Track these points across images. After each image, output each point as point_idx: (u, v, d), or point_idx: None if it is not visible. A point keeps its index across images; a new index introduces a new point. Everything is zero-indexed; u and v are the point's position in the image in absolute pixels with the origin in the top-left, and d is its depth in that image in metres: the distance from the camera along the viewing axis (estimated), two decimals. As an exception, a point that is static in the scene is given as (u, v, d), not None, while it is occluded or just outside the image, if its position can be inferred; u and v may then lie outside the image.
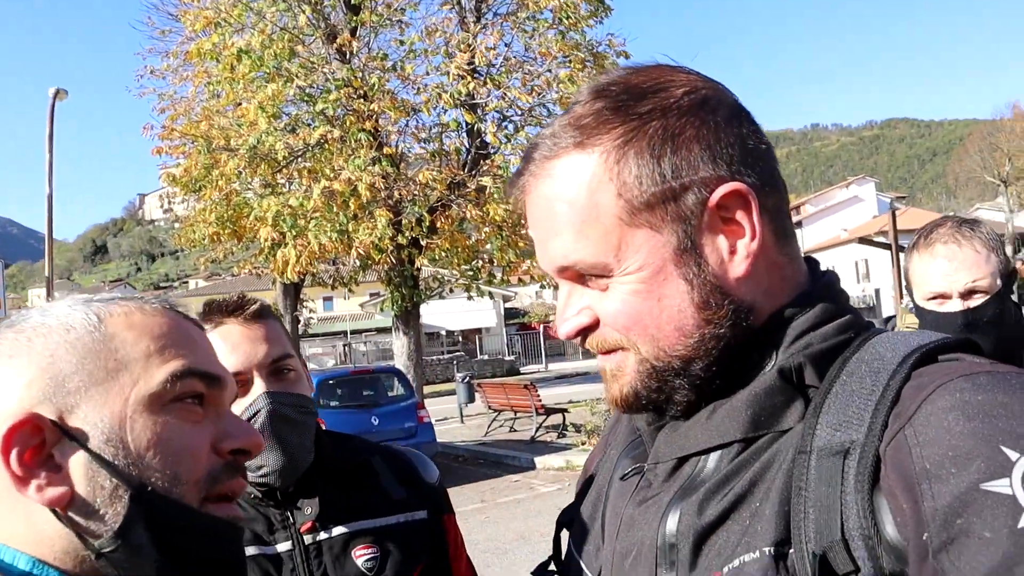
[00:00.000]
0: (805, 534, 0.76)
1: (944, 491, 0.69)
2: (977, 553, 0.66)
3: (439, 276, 16.58)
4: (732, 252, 0.88)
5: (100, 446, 0.82)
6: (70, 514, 0.81)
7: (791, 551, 0.77)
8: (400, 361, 15.17)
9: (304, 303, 22.09)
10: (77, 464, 0.81)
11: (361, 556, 1.62)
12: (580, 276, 0.93)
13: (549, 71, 14.48)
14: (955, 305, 2.13)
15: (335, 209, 12.79)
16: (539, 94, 14.42)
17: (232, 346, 1.58)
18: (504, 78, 14.23)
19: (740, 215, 0.87)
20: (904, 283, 2.31)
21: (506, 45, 14.67)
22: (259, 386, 1.57)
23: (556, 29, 14.49)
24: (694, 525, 0.84)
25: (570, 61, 14.28)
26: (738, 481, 0.84)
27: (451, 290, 16.87)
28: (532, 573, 1.15)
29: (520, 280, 17.28)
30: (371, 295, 46.74)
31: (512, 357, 41.38)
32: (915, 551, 0.70)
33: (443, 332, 45.47)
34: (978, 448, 0.69)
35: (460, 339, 46.19)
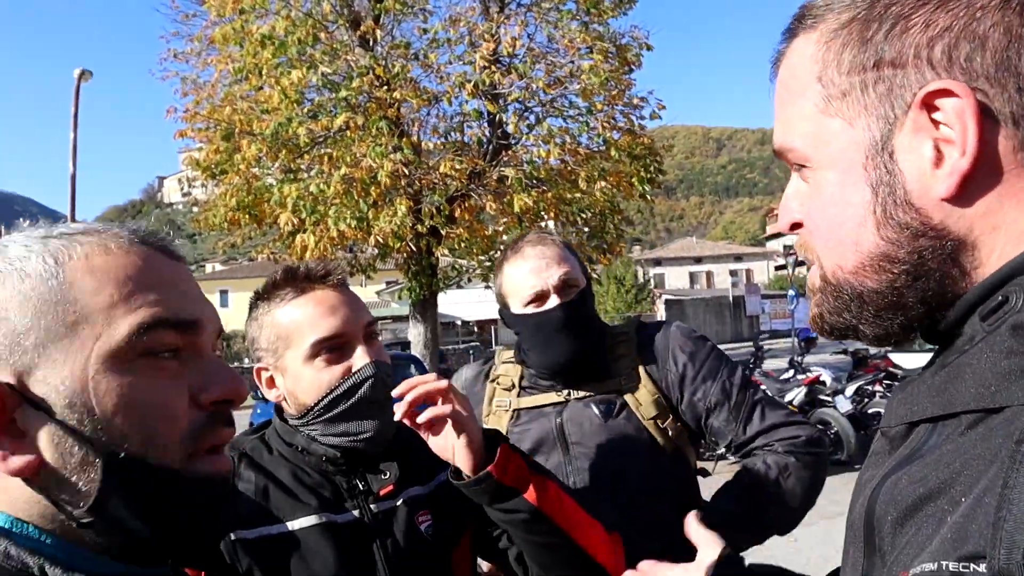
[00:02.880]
0: (1000, 547, 0.58)
1: None
2: None
3: (457, 266, 16.56)
4: (936, 165, 0.73)
5: (63, 411, 0.75)
6: (42, 483, 0.76)
7: (983, 568, 0.59)
8: (416, 350, 15.17)
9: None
10: (42, 430, 0.75)
11: (423, 523, 1.63)
12: (792, 164, 0.86)
13: (572, 62, 14.40)
14: (554, 302, 2.13)
15: (355, 196, 12.77)
16: (562, 85, 14.35)
17: (330, 309, 1.57)
18: (527, 68, 14.16)
19: (952, 121, 0.71)
20: (499, 301, 2.27)
21: (529, 36, 14.60)
22: (360, 351, 1.57)
23: (579, 20, 14.41)
24: (892, 508, 0.70)
25: (593, 52, 14.19)
26: (953, 462, 0.67)
27: (469, 280, 16.85)
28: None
29: (538, 271, 17.23)
30: (388, 283, 46.83)
31: (527, 348, 41.31)
32: None
33: (459, 322, 45.54)
34: None
35: (475, 329, 46.22)
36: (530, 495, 1.53)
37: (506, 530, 1.63)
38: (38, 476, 0.75)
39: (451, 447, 1.52)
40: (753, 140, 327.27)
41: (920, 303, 0.77)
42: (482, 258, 15.41)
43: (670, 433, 2.16)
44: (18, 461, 0.74)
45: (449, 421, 1.52)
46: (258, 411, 13.63)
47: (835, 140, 0.78)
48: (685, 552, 1.77)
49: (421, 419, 1.52)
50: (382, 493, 1.60)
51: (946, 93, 0.71)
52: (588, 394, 2.18)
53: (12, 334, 0.75)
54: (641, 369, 2.19)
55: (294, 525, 1.52)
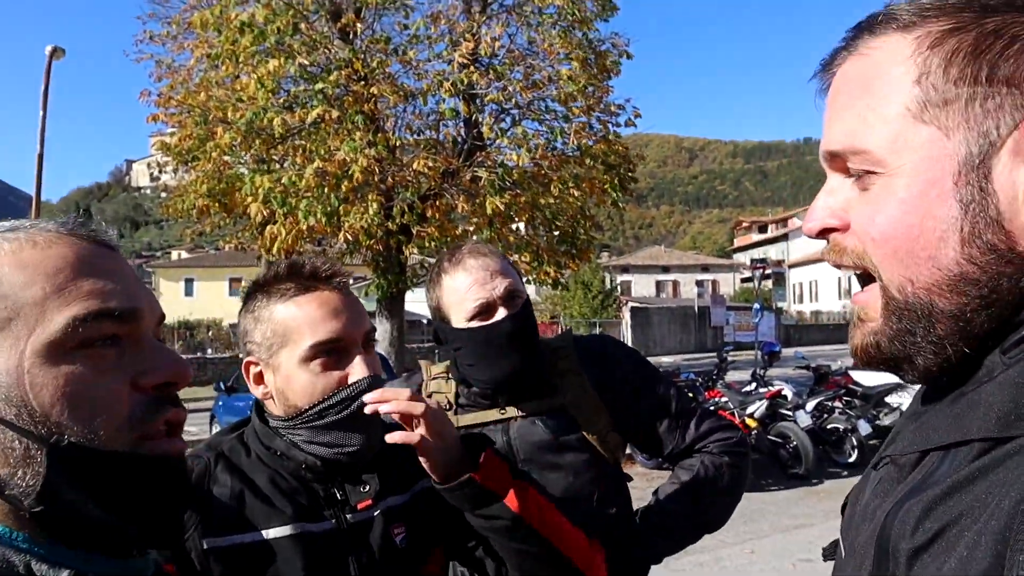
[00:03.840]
0: (1015, 573, 0.58)
1: None
2: None
3: (426, 264, 16.52)
4: None
5: (0, 406, 0.75)
6: None
7: None
8: (382, 347, 15.12)
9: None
10: None
11: (397, 535, 1.58)
12: (847, 169, 0.81)
13: (551, 67, 14.44)
14: (501, 314, 2.07)
15: (327, 190, 12.70)
16: (539, 89, 14.38)
17: (332, 312, 1.52)
18: (506, 70, 14.17)
19: None
20: (436, 320, 2.19)
21: (509, 38, 14.62)
22: (358, 362, 1.52)
23: (561, 25, 14.45)
24: (909, 542, 0.69)
25: (572, 58, 14.24)
26: (968, 494, 0.67)
27: (438, 279, 16.81)
28: (824, 549, 1.02)
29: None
30: (355, 279, 46.59)
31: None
32: None
33: (424, 320, 45.33)
34: None
35: (441, 328, 46.06)
36: (511, 501, 1.50)
37: (487, 538, 1.59)
38: None
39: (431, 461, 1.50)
40: (725, 152, 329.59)
41: (981, 333, 0.74)
42: (452, 257, 15.37)
43: (611, 445, 2.19)
44: None
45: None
46: (220, 403, 13.50)
47: (925, 148, 0.74)
48: (618, 549, 2.03)
49: (389, 439, 1.49)
50: (360, 507, 1.56)
51: None
52: (532, 411, 2.15)
53: None
54: (584, 384, 2.19)
55: (268, 534, 1.48)
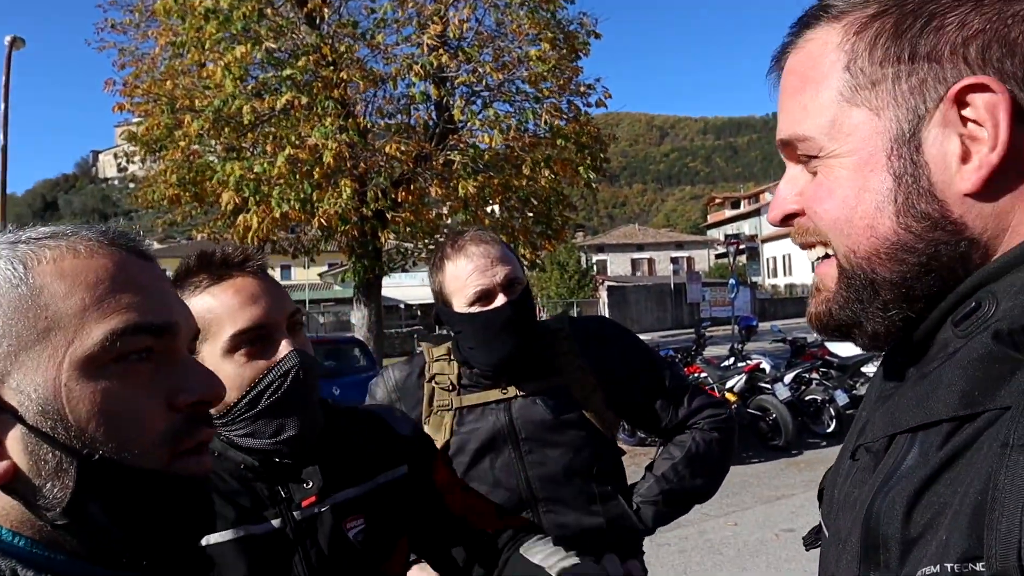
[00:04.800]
0: (995, 550, 0.59)
1: None
2: None
3: (402, 249, 16.47)
4: (963, 160, 0.74)
5: (36, 418, 0.74)
6: (16, 488, 0.75)
7: (981, 567, 0.61)
8: (360, 332, 15.08)
9: (263, 270, 21.81)
10: (14, 437, 0.75)
11: (352, 528, 1.52)
12: (797, 156, 0.87)
13: (520, 48, 14.38)
14: (501, 300, 2.13)
15: (299, 177, 12.61)
16: (509, 71, 14.32)
17: (250, 298, 1.45)
18: (475, 52, 14.10)
19: (983, 117, 0.73)
20: (437, 300, 2.27)
21: (477, 20, 14.54)
22: (284, 343, 1.46)
23: (528, 6, 14.38)
24: (901, 533, 0.70)
25: (541, 39, 14.19)
26: (949, 479, 0.68)
27: (413, 263, 16.76)
28: (804, 538, 1.05)
29: (483, 256, 17.23)
30: (330, 265, 46.39)
31: (470, 332, 41.26)
32: None
33: (402, 305, 45.28)
34: None
35: (419, 313, 46.01)
36: None
37: (453, 532, 1.57)
38: (12, 482, 0.74)
39: None
40: (696, 129, 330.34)
41: (924, 298, 0.78)
42: (427, 241, 15.35)
43: (607, 423, 2.27)
44: None
45: None
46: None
47: (858, 130, 0.79)
48: (612, 517, 2.19)
49: None
50: (304, 504, 1.49)
51: (981, 88, 0.72)
52: (533, 391, 2.21)
53: None
54: (582, 364, 2.27)
55: (208, 539, 1.39)
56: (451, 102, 14.17)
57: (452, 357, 2.30)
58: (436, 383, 2.27)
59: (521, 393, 2.21)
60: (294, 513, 1.49)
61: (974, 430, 0.68)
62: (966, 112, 0.74)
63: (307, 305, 44.90)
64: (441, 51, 13.39)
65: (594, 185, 15.70)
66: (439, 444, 2.12)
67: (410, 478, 1.65)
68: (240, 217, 13.21)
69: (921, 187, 0.76)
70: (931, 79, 0.75)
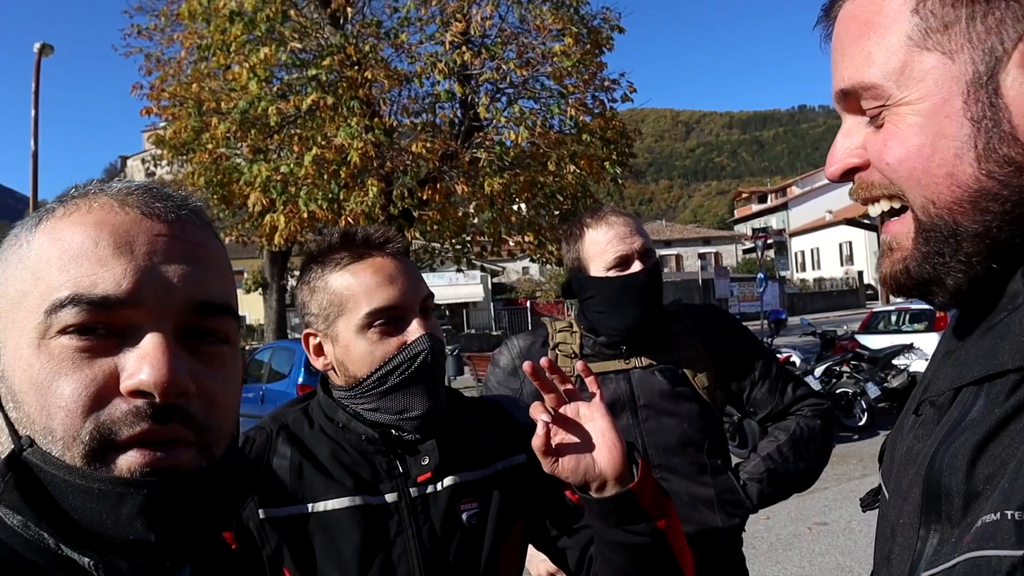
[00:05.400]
0: None
1: None
2: None
3: (429, 248, 16.49)
4: None
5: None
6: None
7: None
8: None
9: (291, 271, 21.98)
10: None
11: (465, 511, 1.55)
12: (859, 107, 0.82)
13: (543, 44, 14.35)
14: (638, 267, 2.29)
15: (326, 177, 12.66)
16: (533, 67, 14.30)
17: (388, 278, 1.50)
18: (499, 49, 14.09)
19: None
20: (574, 267, 2.40)
21: (500, 17, 14.52)
22: (415, 325, 1.50)
23: (550, 2, 14.35)
24: (964, 485, 0.69)
25: (564, 34, 14.15)
26: (1013, 432, 0.67)
27: (441, 262, 16.80)
28: (861, 500, 1.02)
29: (511, 254, 17.24)
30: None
31: (499, 332, 41.32)
32: None
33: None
34: None
35: (447, 313, 46.14)
36: (661, 521, 1.40)
37: (605, 549, 1.47)
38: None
39: (582, 466, 1.36)
40: (721, 124, 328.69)
41: (1008, 249, 0.75)
42: (454, 240, 15.37)
43: (717, 401, 2.42)
44: None
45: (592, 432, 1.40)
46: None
47: (930, 74, 0.75)
48: (720, 490, 2.31)
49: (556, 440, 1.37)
50: (420, 480, 1.52)
51: None
52: (651, 363, 2.35)
53: None
54: (697, 344, 2.41)
55: (327, 505, 1.47)
56: (476, 100, 14.18)
57: (574, 328, 2.42)
58: (559, 351, 2.39)
59: (640, 365, 2.34)
60: (410, 489, 1.52)
61: None
62: None
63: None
64: (464, 49, 13.39)
65: (620, 181, 15.66)
66: None
67: (528, 467, 1.64)
68: (267, 218, 13.30)
69: (1003, 131, 0.72)
70: (1009, 18, 0.72)
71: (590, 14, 15.05)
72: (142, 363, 0.71)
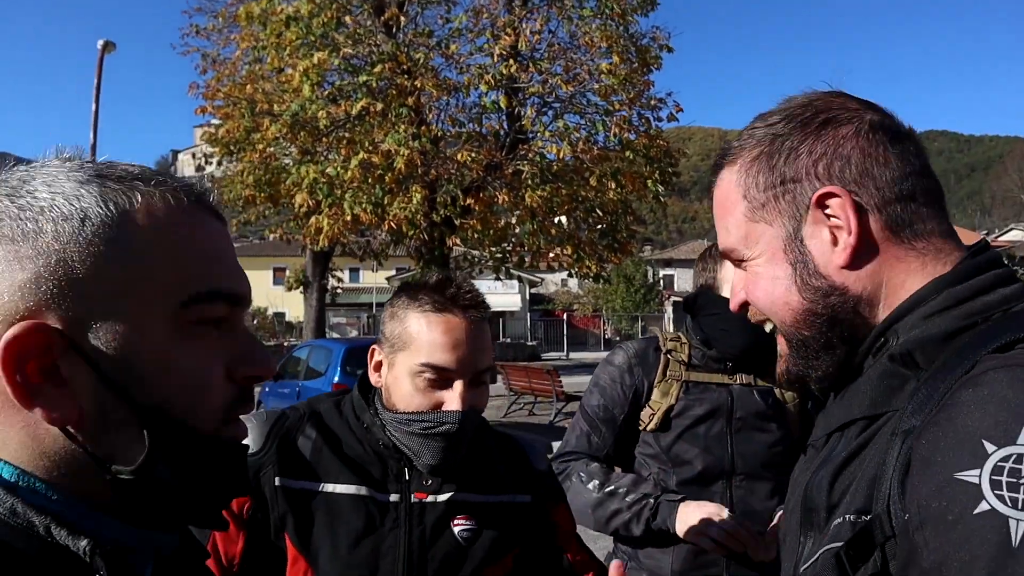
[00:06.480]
0: (877, 503, 0.87)
1: (928, 478, 0.80)
2: (941, 533, 0.77)
3: (469, 256, 16.62)
4: (834, 244, 1.02)
5: (110, 367, 0.72)
6: (79, 435, 0.72)
7: (866, 517, 0.88)
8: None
9: (332, 272, 22.24)
10: (85, 383, 0.72)
11: (458, 526, 1.67)
12: (736, 260, 1.14)
13: (592, 60, 14.46)
14: None
15: (371, 181, 12.86)
16: (580, 83, 14.41)
17: (454, 343, 1.60)
18: (546, 64, 14.22)
19: (839, 212, 1.01)
20: (707, 284, 2.58)
21: (550, 32, 14.66)
22: (458, 391, 1.61)
23: (601, 19, 14.46)
24: (826, 501, 0.97)
25: (612, 52, 14.25)
26: (858, 460, 0.95)
27: (480, 271, 16.91)
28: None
29: (549, 266, 17.32)
30: (398, 270, 46.76)
31: (534, 342, 41.28)
32: (902, 528, 0.82)
33: (468, 312, 45.32)
34: (963, 443, 0.79)
35: (482, 320, 46.13)
36: None
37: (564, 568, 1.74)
38: (76, 428, 0.72)
39: None
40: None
41: (841, 343, 1.05)
42: (494, 249, 15.49)
43: (798, 426, 2.53)
44: (59, 411, 0.71)
45: None
46: (266, 388, 13.70)
47: (762, 238, 1.08)
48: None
49: None
50: (417, 496, 1.65)
51: (831, 195, 1.01)
52: (751, 382, 2.51)
53: (69, 278, 0.71)
54: None
55: (335, 488, 1.61)
56: (522, 112, 14.30)
57: (683, 340, 2.59)
58: (671, 356, 2.57)
59: (742, 381, 2.51)
60: (411, 495, 1.65)
61: (877, 426, 0.95)
62: (827, 211, 1.02)
63: (374, 307, 45.53)
64: (512, 62, 13.54)
65: (663, 199, 15.69)
66: (665, 408, 2.46)
67: (531, 508, 1.78)
68: (312, 219, 13.52)
69: (810, 269, 1.04)
70: (798, 194, 1.04)
71: (639, 32, 15.15)
72: (253, 353, 0.82)
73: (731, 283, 1.20)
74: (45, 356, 0.70)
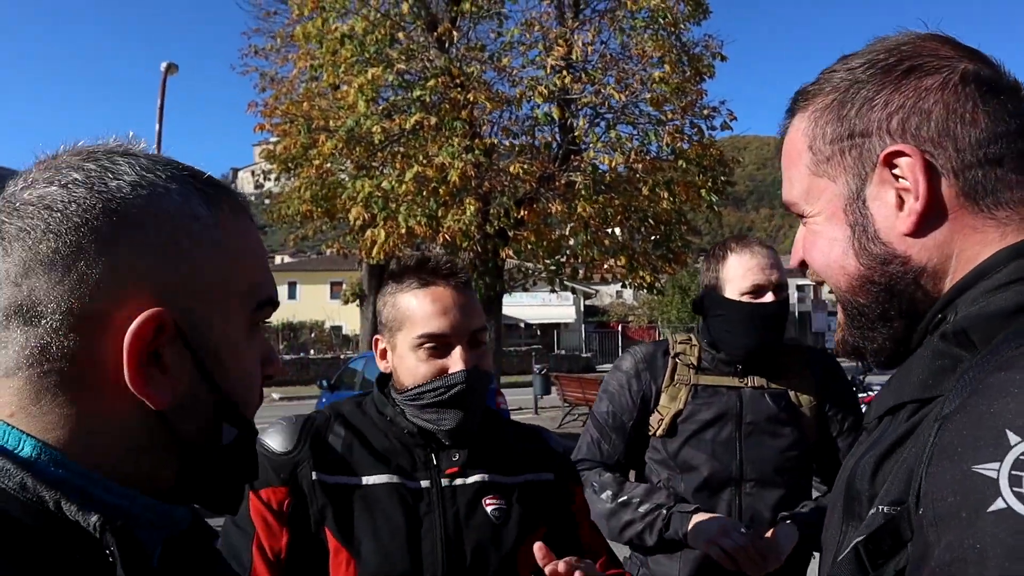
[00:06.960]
0: (912, 497, 0.78)
1: (946, 469, 0.72)
2: (953, 530, 0.68)
3: (523, 268, 16.67)
4: (899, 208, 0.93)
5: (205, 358, 0.78)
6: (167, 417, 0.76)
7: (900, 508, 0.80)
8: (479, 349, 15.29)
9: (388, 285, 22.41)
10: (183, 371, 0.77)
11: (490, 505, 1.75)
12: (797, 215, 1.08)
13: (644, 70, 14.45)
14: (769, 298, 2.41)
15: (425, 194, 13.00)
16: (633, 93, 14.41)
17: (443, 309, 1.71)
18: (599, 75, 14.25)
19: (908, 174, 0.92)
20: (711, 285, 2.53)
21: (602, 43, 14.69)
22: (458, 354, 1.71)
23: (652, 29, 14.45)
24: (869, 489, 0.89)
25: (664, 62, 14.23)
26: (903, 447, 0.87)
27: (534, 283, 16.94)
28: None
29: (603, 278, 17.31)
30: (452, 282, 46.91)
31: (589, 354, 41.25)
32: (918, 523, 0.75)
33: (522, 324, 45.57)
34: (984, 431, 0.70)
35: (538, 332, 46.23)
36: None
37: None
38: (161, 413, 0.76)
39: None
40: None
41: (900, 316, 0.98)
42: (548, 261, 15.53)
43: (814, 430, 2.53)
44: (165, 394, 0.75)
45: None
46: (323, 400, 13.93)
47: (823, 194, 1.00)
48: (800, 522, 2.36)
49: None
50: (449, 472, 1.74)
51: (900, 154, 0.92)
52: (762, 385, 2.49)
53: (183, 271, 0.77)
54: (810, 380, 2.54)
55: (369, 480, 1.70)
56: (574, 123, 14.35)
57: (693, 342, 2.59)
58: (679, 360, 2.56)
59: (753, 385, 2.49)
60: (441, 479, 1.74)
61: (926, 411, 0.86)
62: (896, 171, 0.93)
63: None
64: (565, 73, 13.60)
65: (717, 209, 15.59)
66: (673, 412, 2.46)
67: (554, 485, 1.87)
68: (368, 232, 13.70)
69: (870, 233, 0.96)
70: (865, 150, 0.95)
71: (692, 41, 15.11)
72: (273, 353, 0.90)
73: (797, 238, 1.12)
74: (154, 343, 0.74)
